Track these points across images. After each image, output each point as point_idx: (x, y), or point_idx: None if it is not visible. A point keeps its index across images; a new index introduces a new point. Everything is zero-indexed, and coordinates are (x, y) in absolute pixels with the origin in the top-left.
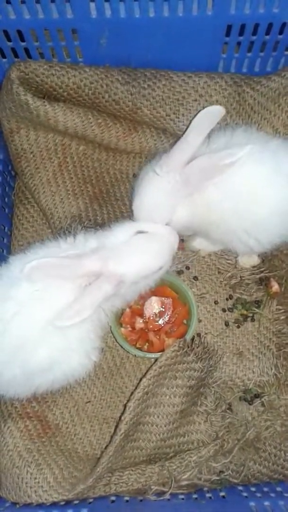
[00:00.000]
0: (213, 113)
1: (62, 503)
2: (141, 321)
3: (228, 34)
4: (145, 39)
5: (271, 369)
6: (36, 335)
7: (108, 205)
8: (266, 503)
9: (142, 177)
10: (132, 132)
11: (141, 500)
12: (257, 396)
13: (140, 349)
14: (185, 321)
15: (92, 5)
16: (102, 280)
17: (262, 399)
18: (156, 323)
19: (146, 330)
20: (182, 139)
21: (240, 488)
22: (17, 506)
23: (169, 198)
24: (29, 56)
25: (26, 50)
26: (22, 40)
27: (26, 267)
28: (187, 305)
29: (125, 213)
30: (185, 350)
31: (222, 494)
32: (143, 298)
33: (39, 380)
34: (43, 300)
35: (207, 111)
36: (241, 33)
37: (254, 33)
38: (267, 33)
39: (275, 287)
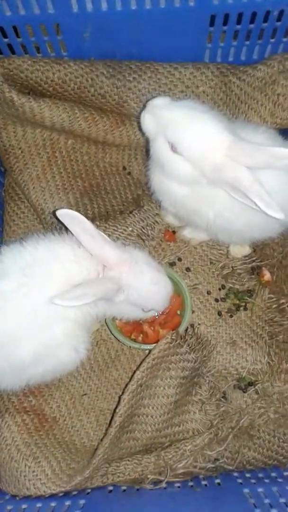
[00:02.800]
0: None
1: (61, 494)
2: None
3: (212, 24)
4: (128, 32)
5: (264, 357)
6: (21, 330)
7: (99, 199)
8: (260, 489)
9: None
10: (120, 125)
11: (138, 489)
12: (250, 384)
13: (134, 340)
14: (179, 312)
15: None
16: (108, 278)
17: (256, 387)
18: None
19: (141, 321)
20: (268, 149)
21: (235, 474)
22: (17, 498)
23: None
24: (13, 52)
25: (10, 46)
26: (5, 36)
27: (59, 211)
28: (181, 296)
29: (116, 206)
30: (178, 341)
31: (217, 481)
32: None
33: (29, 373)
34: (30, 293)
35: None
36: (225, 22)
37: (239, 22)
38: (252, 22)
39: (267, 276)
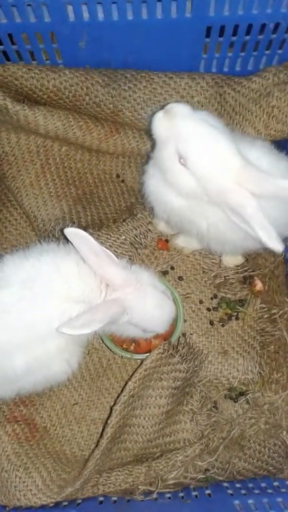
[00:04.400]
0: None
1: (51, 505)
2: None
3: (208, 35)
4: (124, 42)
5: (255, 367)
6: (16, 342)
7: (92, 206)
8: (250, 501)
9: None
10: (114, 133)
11: (128, 500)
12: (242, 394)
13: (126, 349)
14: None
15: (70, 8)
16: (113, 301)
17: (247, 397)
18: None
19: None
20: (276, 182)
21: (226, 484)
22: (7, 509)
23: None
24: (8, 59)
25: (4, 53)
26: (0, 43)
27: (67, 229)
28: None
29: (109, 214)
30: (170, 352)
31: (207, 492)
32: None
33: (20, 383)
34: (29, 307)
35: None
36: (221, 34)
37: (234, 34)
38: (247, 34)
39: (259, 285)
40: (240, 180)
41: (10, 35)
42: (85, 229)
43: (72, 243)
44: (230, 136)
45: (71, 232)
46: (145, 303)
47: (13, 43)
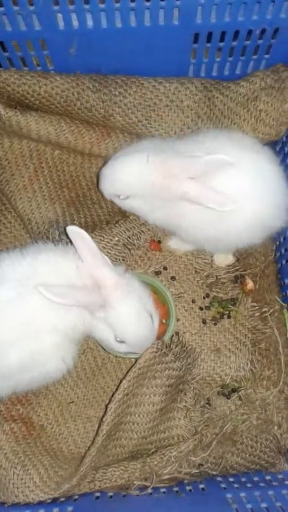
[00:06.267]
0: None
1: (48, 501)
2: None
3: (196, 41)
4: (114, 48)
5: (247, 364)
6: (11, 338)
7: (85, 209)
8: (242, 494)
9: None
10: (106, 137)
11: (124, 496)
12: (234, 390)
13: None
14: (164, 321)
15: (60, 16)
16: (96, 291)
17: (239, 393)
18: None
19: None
20: (202, 159)
21: (219, 479)
22: (5, 505)
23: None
24: None
25: None
26: None
27: (69, 227)
28: (166, 305)
29: (102, 216)
30: (163, 351)
31: (201, 486)
32: None
33: (16, 380)
34: (25, 305)
35: None
36: (208, 39)
37: (222, 39)
38: (234, 39)
39: (250, 284)
40: (168, 172)
41: (1, 43)
42: None
43: (71, 241)
44: (140, 146)
45: (74, 230)
46: (125, 307)
47: (4, 50)
